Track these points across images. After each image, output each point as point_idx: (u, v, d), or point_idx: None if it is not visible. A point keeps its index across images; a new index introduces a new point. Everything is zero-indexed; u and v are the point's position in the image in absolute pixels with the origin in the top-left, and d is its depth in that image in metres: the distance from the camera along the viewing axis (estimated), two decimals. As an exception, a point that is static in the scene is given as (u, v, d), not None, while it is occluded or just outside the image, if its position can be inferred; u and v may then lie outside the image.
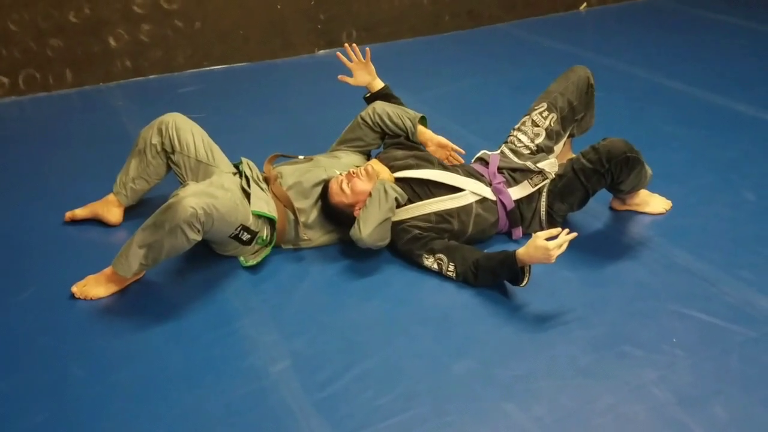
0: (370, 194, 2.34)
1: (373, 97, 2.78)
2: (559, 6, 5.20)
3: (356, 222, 2.32)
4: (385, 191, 2.32)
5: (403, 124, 2.63)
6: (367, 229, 2.28)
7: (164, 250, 2.13)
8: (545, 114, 2.61)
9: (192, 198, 2.07)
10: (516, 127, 2.66)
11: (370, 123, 2.66)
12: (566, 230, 2.10)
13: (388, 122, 2.64)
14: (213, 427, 1.79)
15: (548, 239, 2.08)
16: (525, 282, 2.15)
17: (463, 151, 2.68)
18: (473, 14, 4.91)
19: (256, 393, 1.88)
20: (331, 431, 1.76)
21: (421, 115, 2.68)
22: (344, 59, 2.74)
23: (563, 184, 2.43)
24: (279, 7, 4.32)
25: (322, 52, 4.51)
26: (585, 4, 5.28)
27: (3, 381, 1.95)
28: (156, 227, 2.11)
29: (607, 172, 2.34)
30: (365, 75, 2.76)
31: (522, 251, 2.13)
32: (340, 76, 2.76)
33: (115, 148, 3.10)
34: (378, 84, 2.78)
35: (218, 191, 2.18)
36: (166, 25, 4.09)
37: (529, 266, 2.15)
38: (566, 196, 2.44)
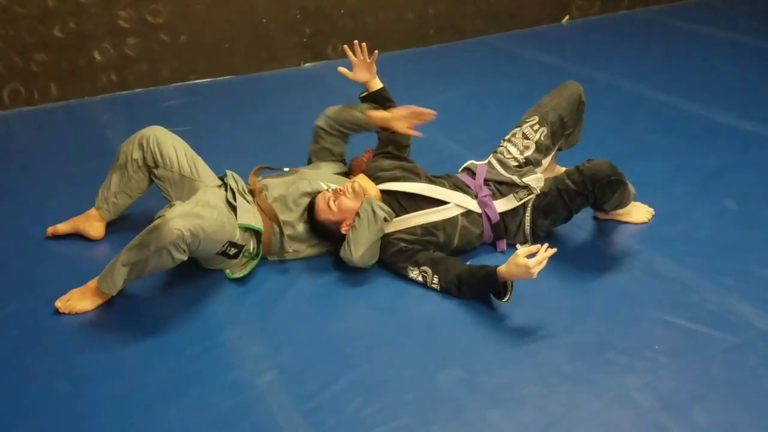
0: (358, 214, 2.35)
1: (369, 97, 2.74)
2: (542, 19, 5.26)
3: (346, 243, 2.34)
4: (374, 212, 2.33)
5: (355, 117, 2.65)
6: (358, 251, 2.30)
7: (148, 268, 2.14)
8: (536, 127, 2.63)
9: (178, 219, 2.07)
10: (506, 138, 2.67)
11: (327, 128, 2.68)
12: (545, 245, 2.11)
13: (343, 122, 2.66)
14: (199, 439, 1.79)
15: (528, 256, 2.09)
16: (507, 298, 2.17)
17: (433, 112, 2.57)
18: (457, 28, 4.95)
19: (243, 405, 1.88)
20: (318, 442, 1.77)
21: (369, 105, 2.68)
22: (349, 53, 2.69)
23: (547, 203, 2.46)
24: (264, 20, 4.34)
25: (307, 65, 4.54)
26: (567, 17, 5.34)
27: (-13, 396, 1.94)
28: (141, 247, 2.10)
29: (590, 194, 2.37)
30: (365, 72, 2.71)
31: (503, 268, 2.14)
32: (339, 68, 2.71)
33: (100, 162, 3.08)
34: (376, 84, 2.73)
35: (204, 210, 2.18)
36: (152, 39, 4.09)
37: (512, 282, 2.17)
38: (549, 214, 2.46)
